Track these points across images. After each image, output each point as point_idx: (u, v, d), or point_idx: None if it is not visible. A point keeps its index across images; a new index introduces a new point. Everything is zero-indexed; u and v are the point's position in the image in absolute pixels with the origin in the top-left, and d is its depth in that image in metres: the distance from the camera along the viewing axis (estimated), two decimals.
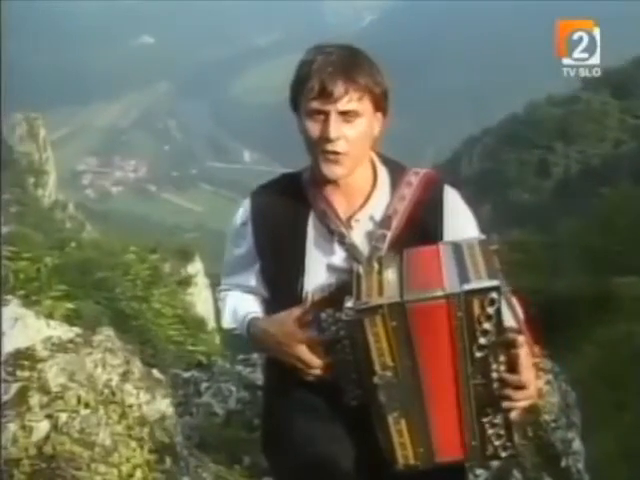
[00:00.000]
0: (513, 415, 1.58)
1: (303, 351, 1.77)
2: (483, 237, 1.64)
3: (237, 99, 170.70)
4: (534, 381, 1.58)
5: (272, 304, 1.96)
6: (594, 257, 16.60)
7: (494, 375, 1.51)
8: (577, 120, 54.78)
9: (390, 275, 1.58)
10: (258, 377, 4.11)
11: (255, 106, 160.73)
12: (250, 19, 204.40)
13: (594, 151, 53.31)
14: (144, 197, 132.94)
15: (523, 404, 1.59)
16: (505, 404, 1.55)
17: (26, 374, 2.57)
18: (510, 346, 1.52)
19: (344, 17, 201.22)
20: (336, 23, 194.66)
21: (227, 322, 2.03)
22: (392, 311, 1.49)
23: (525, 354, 1.56)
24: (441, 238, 1.85)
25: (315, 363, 1.77)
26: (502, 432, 1.57)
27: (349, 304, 1.59)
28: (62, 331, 2.85)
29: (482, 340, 1.47)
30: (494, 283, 1.44)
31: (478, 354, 1.49)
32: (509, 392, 1.55)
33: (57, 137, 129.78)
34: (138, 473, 2.44)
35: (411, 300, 1.49)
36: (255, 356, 4.61)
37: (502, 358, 1.50)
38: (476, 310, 1.45)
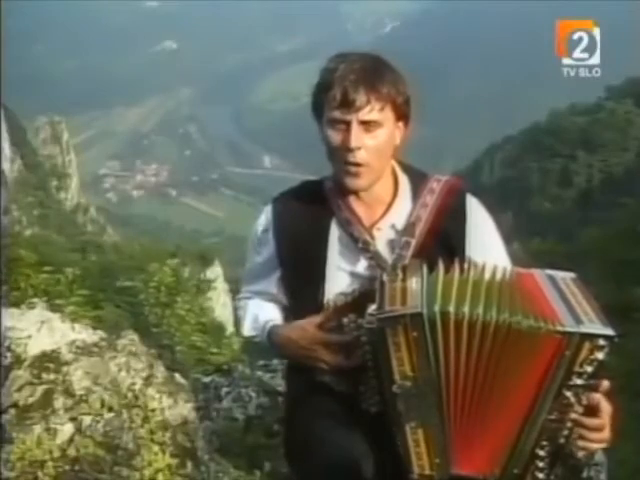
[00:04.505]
0: (580, 454, 1.56)
1: (325, 353, 1.78)
2: (573, 275, 1.62)
3: (258, 105, 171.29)
4: (608, 425, 1.55)
5: (292, 311, 1.97)
6: (616, 267, 16.46)
7: (571, 415, 1.50)
8: (600, 129, 54.29)
9: (414, 284, 1.57)
10: (278, 383, 4.11)
11: (276, 112, 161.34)
12: (271, 26, 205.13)
13: (617, 160, 52.79)
14: (165, 201, 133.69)
15: (597, 446, 1.56)
16: (580, 443, 1.54)
17: (51, 377, 2.60)
18: (594, 389, 1.50)
19: (365, 24, 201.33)
20: (357, 30, 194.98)
21: (247, 330, 2.04)
22: (414, 321, 1.48)
23: (605, 399, 1.53)
24: (464, 246, 1.85)
25: (338, 363, 1.78)
26: (547, 466, 1.55)
27: (371, 311, 1.60)
28: (87, 335, 2.88)
29: (577, 381, 1.47)
30: (610, 332, 1.43)
31: (567, 393, 1.48)
32: (586, 433, 1.53)
33: (80, 141, 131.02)
34: (160, 477, 2.45)
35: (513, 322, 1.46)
36: (275, 362, 4.62)
37: (585, 401, 1.49)
38: (584, 353, 1.44)
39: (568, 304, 1.50)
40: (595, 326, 1.43)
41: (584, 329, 1.43)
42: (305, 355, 1.82)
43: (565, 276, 1.62)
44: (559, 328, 1.44)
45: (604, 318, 1.46)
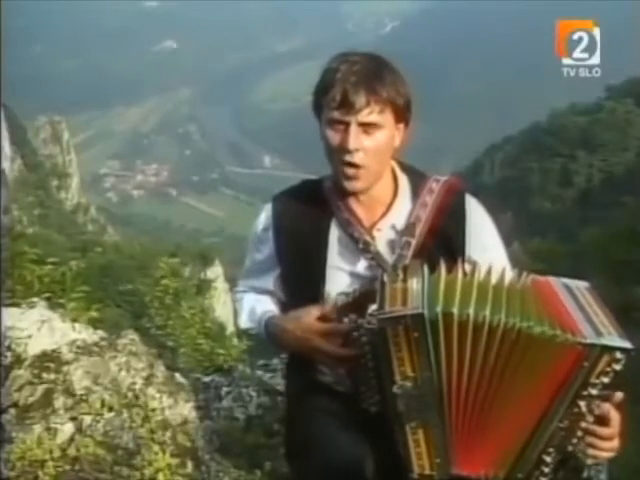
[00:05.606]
0: (589, 462, 1.56)
1: (322, 342, 1.77)
2: (587, 284, 1.62)
3: (258, 105, 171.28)
4: (617, 434, 1.56)
5: (291, 309, 1.96)
6: (616, 267, 16.40)
7: (582, 424, 1.50)
8: (600, 129, 54.26)
9: (415, 285, 1.57)
10: (279, 382, 4.10)
11: (276, 112, 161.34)
12: (271, 26, 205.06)
13: (617, 160, 52.75)
14: (165, 201, 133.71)
15: (607, 455, 1.57)
16: (590, 451, 1.54)
17: (51, 376, 2.60)
18: (607, 399, 1.51)
19: (365, 24, 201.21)
20: (357, 30, 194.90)
21: (244, 322, 2.04)
22: (415, 322, 1.48)
23: (615, 409, 1.54)
24: (463, 247, 1.85)
25: (336, 352, 1.76)
26: (551, 472, 1.55)
27: (372, 311, 1.59)
28: (87, 334, 2.88)
29: (593, 391, 1.46)
30: (629, 346, 1.42)
31: (581, 402, 1.48)
32: (597, 442, 1.54)
33: (80, 140, 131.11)
34: (160, 477, 2.44)
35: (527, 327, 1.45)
36: (275, 361, 4.60)
37: (597, 410, 1.49)
38: (601, 365, 1.44)
39: (585, 314, 1.50)
40: (614, 339, 1.43)
41: (605, 341, 1.42)
42: (301, 345, 1.81)
43: (580, 285, 1.61)
44: (580, 340, 1.43)
45: (620, 329, 1.46)
